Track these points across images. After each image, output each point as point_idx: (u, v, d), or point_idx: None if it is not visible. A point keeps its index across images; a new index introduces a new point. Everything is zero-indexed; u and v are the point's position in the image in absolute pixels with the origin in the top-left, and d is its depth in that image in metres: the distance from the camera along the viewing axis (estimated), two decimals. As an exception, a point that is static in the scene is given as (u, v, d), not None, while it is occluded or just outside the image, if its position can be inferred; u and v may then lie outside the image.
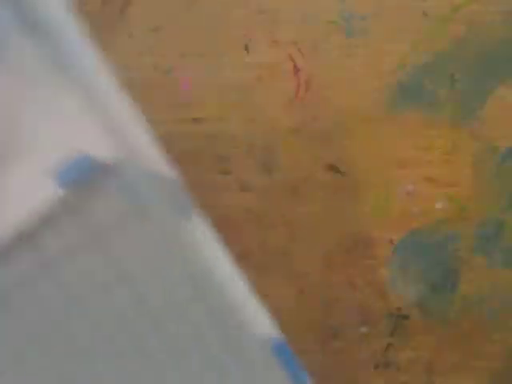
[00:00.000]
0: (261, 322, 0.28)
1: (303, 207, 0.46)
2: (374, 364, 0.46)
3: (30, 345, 0.26)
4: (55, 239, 0.23)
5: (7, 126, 0.22)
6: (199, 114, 0.47)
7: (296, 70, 0.47)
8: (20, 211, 0.21)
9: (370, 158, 0.47)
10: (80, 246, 0.24)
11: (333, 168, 0.47)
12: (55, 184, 0.22)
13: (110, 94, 0.24)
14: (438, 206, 0.46)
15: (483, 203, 0.46)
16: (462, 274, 0.46)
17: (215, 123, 0.47)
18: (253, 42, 0.47)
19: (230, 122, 0.47)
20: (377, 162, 0.47)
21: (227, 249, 0.46)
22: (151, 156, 0.25)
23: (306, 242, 0.46)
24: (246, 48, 0.47)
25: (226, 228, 0.47)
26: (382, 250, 0.46)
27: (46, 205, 0.22)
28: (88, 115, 0.23)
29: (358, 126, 0.47)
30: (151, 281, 0.25)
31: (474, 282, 0.46)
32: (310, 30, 0.47)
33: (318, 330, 0.46)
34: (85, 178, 0.22)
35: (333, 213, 0.46)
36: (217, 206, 0.46)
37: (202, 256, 0.26)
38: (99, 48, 0.49)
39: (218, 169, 0.47)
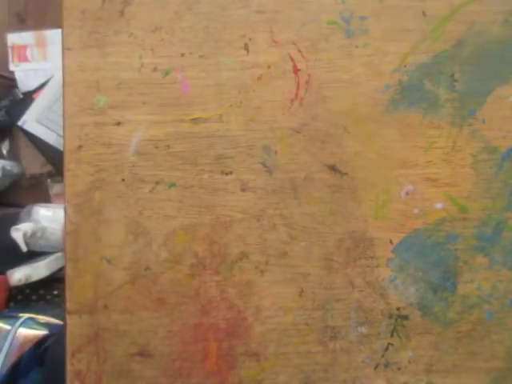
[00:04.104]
0: None
1: (303, 207, 0.46)
2: (374, 364, 0.46)
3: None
4: None
5: None
6: (199, 113, 0.47)
7: (296, 69, 0.47)
8: None
9: (370, 158, 0.47)
10: None
11: (333, 168, 0.47)
12: None
13: None
14: (438, 206, 0.46)
15: (483, 203, 0.46)
16: (461, 274, 0.46)
17: (215, 123, 0.47)
18: (253, 42, 0.47)
19: (230, 122, 0.47)
20: (377, 162, 0.47)
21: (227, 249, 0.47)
22: None
23: (306, 242, 0.46)
24: (246, 48, 0.47)
25: (226, 228, 0.47)
26: (382, 250, 0.46)
27: None
28: None
29: (357, 125, 0.47)
30: None
31: (473, 282, 0.46)
32: (309, 30, 0.47)
33: (317, 330, 0.46)
34: None
35: (333, 213, 0.46)
36: (217, 206, 0.46)
37: None
38: (99, 48, 0.49)
39: (218, 169, 0.47)
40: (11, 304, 1.00)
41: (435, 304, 0.46)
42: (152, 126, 0.47)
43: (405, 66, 0.47)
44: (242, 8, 0.47)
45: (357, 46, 0.47)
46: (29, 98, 1.06)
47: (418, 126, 0.47)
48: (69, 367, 0.46)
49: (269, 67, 0.47)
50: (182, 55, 0.47)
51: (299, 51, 0.47)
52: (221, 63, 0.47)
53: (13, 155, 1.09)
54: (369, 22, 0.47)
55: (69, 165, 0.47)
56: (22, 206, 1.06)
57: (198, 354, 0.46)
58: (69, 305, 0.46)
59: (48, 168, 1.08)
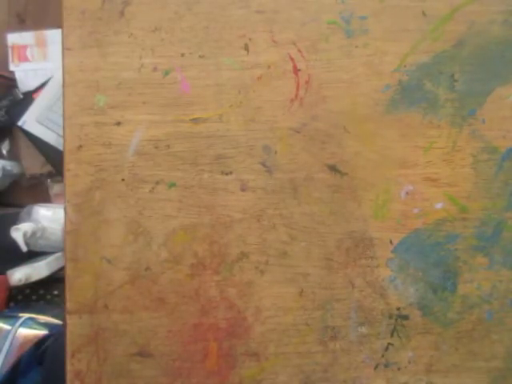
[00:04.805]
0: None
1: (303, 207, 0.46)
2: (374, 364, 0.46)
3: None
4: None
5: None
6: (199, 113, 0.47)
7: (296, 69, 0.47)
8: None
9: (369, 158, 0.47)
10: None
11: (333, 168, 0.47)
12: None
13: None
14: (438, 206, 0.46)
15: (483, 203, 0.46)
16: (461, 274, 0.46)
17: (215, 123, 0.47)
18: (253, 42, 0.47)
19: (230, 122, 0.47)
20: (377, 162, 0.47)
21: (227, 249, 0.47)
22: None
23: (306, 242, 0.46)
24: (246, 48, 0.47)
25: (226, 228, 0.47)
26: (382, 250, 0.46)
27: None
28: None
29: (357, 126, 0.47)
30: None
31: (473, 282, 0.46)
32: (309, 30, 0.47)
33: (317, 330, 0.46)
34: None
35: (333, 213, 0.46)
36: (217, 206, 0.46)
37: None
38: (99, 48, 0.49)
39: (218, 169, 0.47)
40: (11, 304, 1.00)
41: (435, 304, 0.46)
42: (152, 126, 0.47)
43: (405, 66, 0.47)
44: (241, 8, 0.47)
45: (357, 46, 0.47)
46: (29, 98, 1.06)
47: (418, 126, 0.47)
48: (69, 367, 0.46)
49: (269, 67, 0.47)
50: (182, 55, 0.47)
51: (299, 51, 0.47)
52: (221, 63, 0.47)
53: (13, 155, 1.09)
54: (369, 22, 0.47)
55: (69, 165, 0.47)
56: (21, 206, 1.06)
57: (197, 353, 0.46)
58: (69, 305, 0.46)
59: (48, 168, 1.08)
